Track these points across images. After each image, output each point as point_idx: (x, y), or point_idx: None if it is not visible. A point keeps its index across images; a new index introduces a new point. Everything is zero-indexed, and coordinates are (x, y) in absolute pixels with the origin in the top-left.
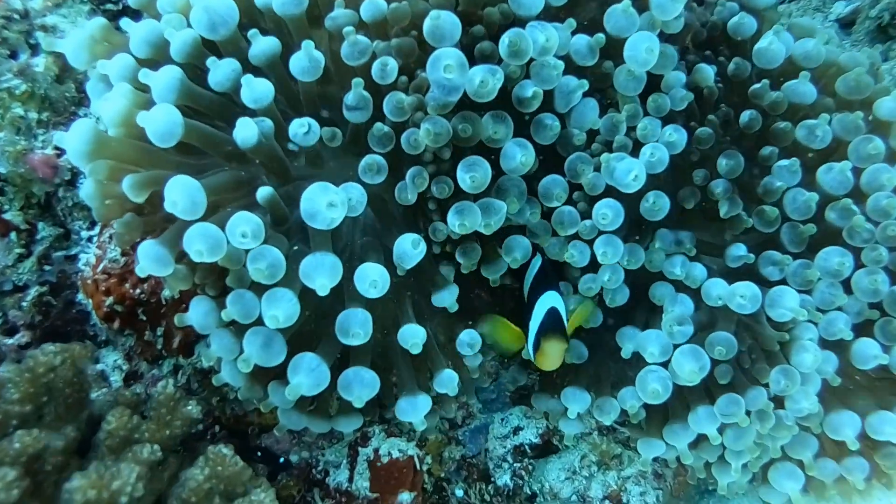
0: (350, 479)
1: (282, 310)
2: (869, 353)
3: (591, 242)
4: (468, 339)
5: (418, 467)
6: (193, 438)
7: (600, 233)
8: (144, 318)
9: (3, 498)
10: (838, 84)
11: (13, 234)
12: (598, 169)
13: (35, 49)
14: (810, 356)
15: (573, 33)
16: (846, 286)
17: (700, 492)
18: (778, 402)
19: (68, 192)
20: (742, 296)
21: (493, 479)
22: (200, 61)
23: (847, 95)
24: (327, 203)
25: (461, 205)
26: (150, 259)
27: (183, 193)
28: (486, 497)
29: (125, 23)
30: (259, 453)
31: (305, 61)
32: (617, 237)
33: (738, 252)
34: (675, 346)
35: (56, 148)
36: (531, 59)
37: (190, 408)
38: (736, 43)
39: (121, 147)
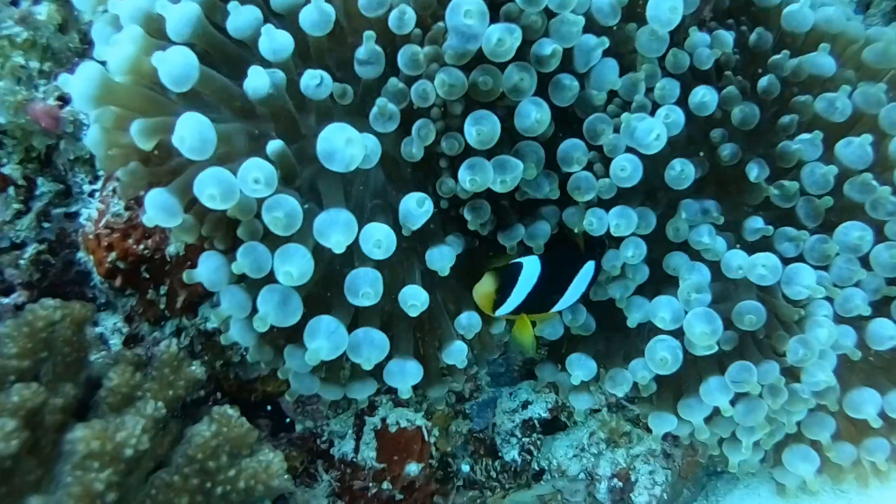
0: (356, 450)
1: (296, 266)
2: (885, 333)
3: (609, 205)
4: (466, 322)
5: (426, 439)
6: (194, 405)
7: (618, 194)
8: (148, 276)
9: (2, 448)
10: (866, 53)
11: (11, 189)
12: (617, 130)
13: None
14: (825, 332)
15: None
16: (864, 263)
17: (708, 473)
18: (793, 376)
19: (70, 146)
20: (764, 265)
21: (500, 454)
22: (220, 3)
23: (875, 64)
24: (346, 139)
25: (473, 160)
26: (158, 208)
27: (192, 129)
28: (493, 473)
29: None
30: (269, 407)
31: (315, 14)
32: (630, 209)
33: (756, 225)
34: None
35: (59, 99)
36: (551, 14)
37: (194, 368)
38: (758, 13)
39: (128, 95)
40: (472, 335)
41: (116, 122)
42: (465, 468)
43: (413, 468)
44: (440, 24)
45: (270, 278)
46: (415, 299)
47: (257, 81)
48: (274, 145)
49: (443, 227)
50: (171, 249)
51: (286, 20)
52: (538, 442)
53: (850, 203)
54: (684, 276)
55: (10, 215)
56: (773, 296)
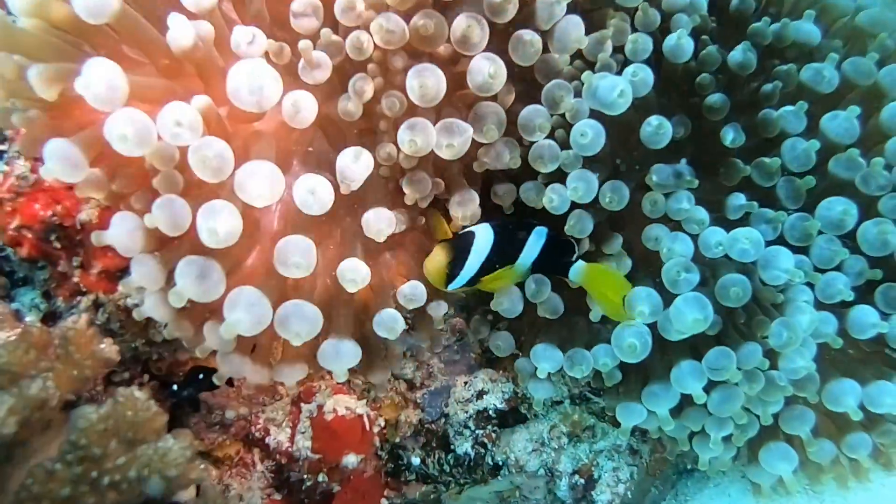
0: (291, 439)
1: (222, 222)
2: (867, 320)
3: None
4: (410, 291)
5: (368, 428)
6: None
7: (585, 163)
8: (59, 246)
9: None
10: (860, 16)
11: None
12: (579, 95)
13: None
14: (806, 318)
15: None
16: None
17: (678, 471)
18: (770, 364)
19: None
20: (746, 238)
21: (453, 447)
22: None
23: (869, 28)
24: (251, 70)
25: (414, 120)
26: (58, 158)
27: (99, 74)
28: (446, 467)
29: None
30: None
31: None
32: (590, 173)
33: (738, 202)
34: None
35: None
36: None
37: (104, 346)
38: None
39: (32, 42)
40: (414, 306)
41: (18, 72)
42: (416, 461)
43: (351, 459)
44: None
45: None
46: (354, 273)
47: (179, 31)
48: (200, 100)
49: (392, 202)
50: (83, 216)
51: None
52: (493, 434)
53: (836, 181)
54: (667, 245)
55: None
56: (751, 278)
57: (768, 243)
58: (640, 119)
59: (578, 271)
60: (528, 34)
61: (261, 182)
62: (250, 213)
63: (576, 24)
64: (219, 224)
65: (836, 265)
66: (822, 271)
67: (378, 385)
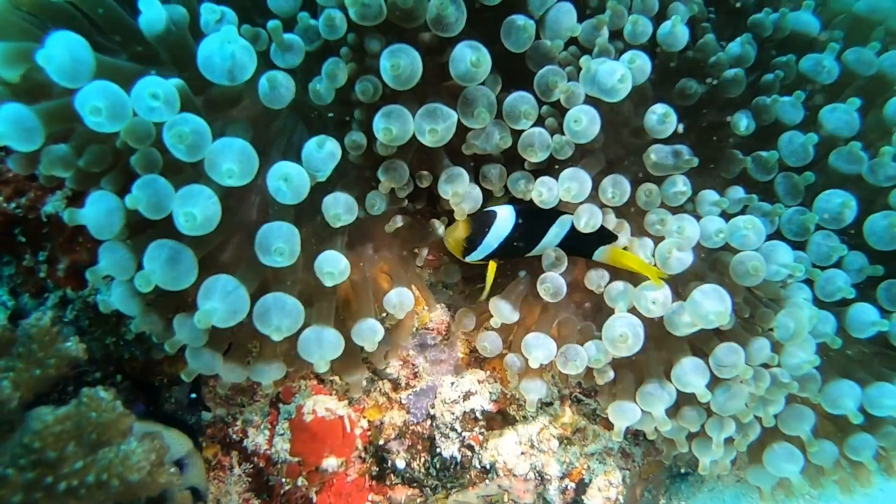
0: (269, 441)
1: (199, 207)
2: (866, 318)
3: (563, 166)
4: (397, 299)
5: (349, 430)
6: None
7: (579, 154)
8: (24, 240)
9: None
10: (858, 4)
11: None
12: (572, 78)
13: None
14: (806, 313)
15: None
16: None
17: (671, 475)
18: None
19: None
20: (746, 226)
21: (439, 449)
22: None
23: (868, 15)
24: (222, 39)
25: (390, 107)
26: (11, 122)
27: (63, 47)
28: (432, 470)
29: None
30: (193, 394)
31: None
32: (583, 171)
33: (738, 195)
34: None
35: None
36: None
37: (69, 345)
38: None
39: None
40: (403, 314)
41: None
42: (401, 464)
43: (331, 463)
44: None
45: (170, 224)
46: (332, 266)
47: (152, 13)
48: (174, 81)
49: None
50: (49, 208)
51: None
52: (480, 437)
53: (836, 176)
54: (675, 224)
55: None
56: None
57: (766, 238)
58: (636, 110)
59: (601, 254)
60: (520, 19)
61: (231, 158)
62: (227, 203)
63: (567, 11)
64: (197, 209)
65: (835, 262)
66: (821, 268)
67: (353, 384)
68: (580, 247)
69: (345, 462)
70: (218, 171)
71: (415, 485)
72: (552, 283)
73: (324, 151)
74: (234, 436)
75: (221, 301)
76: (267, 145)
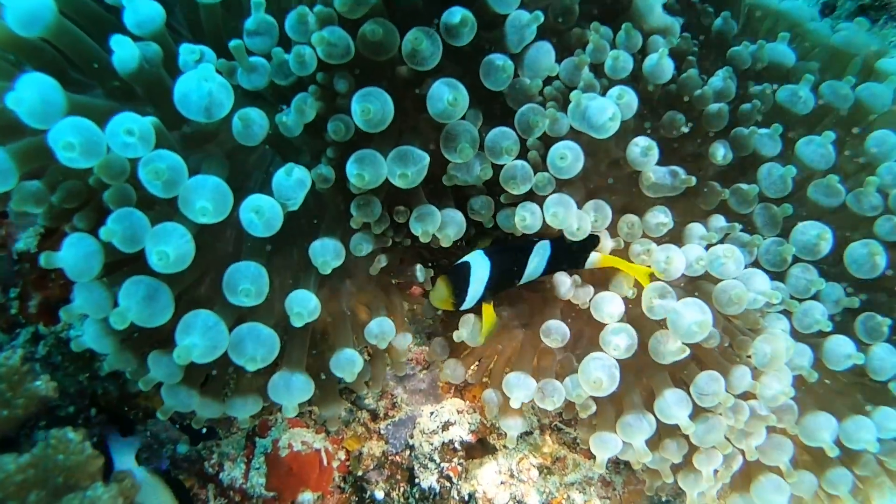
0: (245, 475)
1: (172, 246)
2: (841, 351)
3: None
4: (378, 329)
5: (325, 463)
6: (60, 423)
7: (558, 186)
8: None
9: None
10: (834, 37)
11: None
12: (555, 123)
13: None
14: (783, 344)
15: None
16: (822, 274)
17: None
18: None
19: None
20: (726, 255)
21: (418, 480)
22: None
23: (843, 48)
24: (200, 77)
25: (363, 153)
26: None
27: (33, 89)
28: (411, 500)
29: None
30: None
31: None
32: (568, 196)
33: (719, 223)
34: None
35: None
36: None
37: (39, 384)
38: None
39: None
40: (385, 344)
41: None
42: (380, 495)
43: (307, 497)
44: None
45: (143, 261)
46: (301, 306)
47: (124, 52)
48: (149, 119)
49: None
50: (21, 245)
51: None
52: (459, 468)
53: (815, 208)
54: (661, 255)
55: None
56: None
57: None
58: (616, 142)
59: (592, 261)
60: (499, 59)
61: (205, 196)
62: (202, 238)
63: (547, 51)
64: (169, 248)
65: (812, 295)
66: (799, 300)
67: (329, 419)
68: (569, 261)
69: (321, 496)
70: (192, 208)
71: None
72: (558, 334)
73: (292, 179)
74: (210, 469)
75: (202, 337)
76: (244, 179)
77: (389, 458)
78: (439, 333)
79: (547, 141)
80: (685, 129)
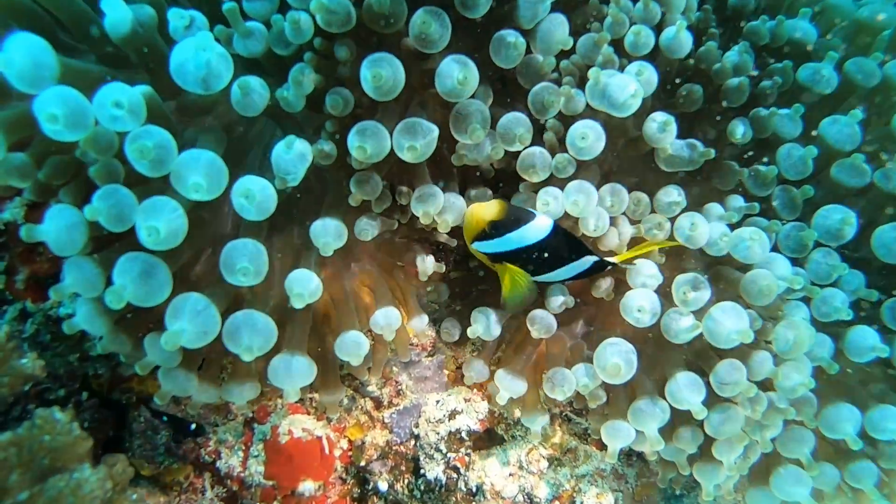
0: (244, 463)
1: (163, 221)
2: (865, 343)
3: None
4: (384, 320)
5: (327, 451)
6: (47, 405)
7: (579, 167)
8: None
9: None
10: (861, 11)
11: None
12: (572, 90)
13: None
14: (805, 332)
15: None
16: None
17: (666, 497)
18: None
19: None
20: (753, 237)
21: (423, 471)
22: None
23: (869, 21)
24: (196, 46)
25: (365, 124)
26: None
27: (23, 50)
28: (416, 492)
29: None
30: (164, 418)
31: None
32: (589, 183)
33: (737, 203)
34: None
35: None
36: None
37: (25, 362)
38: None
39: None
40: (392, 335)
41: None
42: (383, 486)
43: (308, 487)
44: None
45: (133, 236)
46: (302, 287)
47: (116, 14)
48: (141, 88)
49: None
50: (7, 215)
51: None
52: (466, 458)
53: (837, 189)
54: (686, 221)
55: None
56: None
57: None
58: (634, 121)
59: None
60: (511, 35)
61: (199, 172)
62: (197, 212)
63: (560, 23)
64: (160, 223)
65: (833, 281)
66: (820, 286)
67: (329, 405)
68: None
69: (322, 486)
70: (184, 184)
71: None
72: (542, 324)
73: (293, 152)
74: (207, 457)
75: (191, 321)
76: (242, 153)
77: (393, 447)
78: (444, 319)
79: (563, 120)
80: (702, 96)
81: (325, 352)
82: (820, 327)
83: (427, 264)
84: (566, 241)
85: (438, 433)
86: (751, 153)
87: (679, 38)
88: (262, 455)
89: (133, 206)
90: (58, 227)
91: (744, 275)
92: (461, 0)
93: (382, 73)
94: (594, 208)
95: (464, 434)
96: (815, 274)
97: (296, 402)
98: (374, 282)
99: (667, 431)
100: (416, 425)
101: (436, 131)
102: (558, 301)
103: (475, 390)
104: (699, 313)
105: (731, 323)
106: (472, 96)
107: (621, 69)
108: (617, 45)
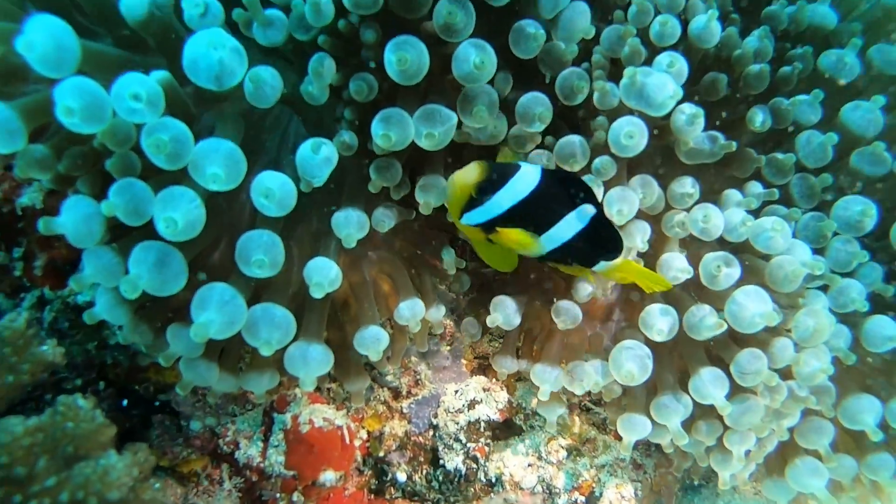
0: (263, 453)
1: (181, 212)
2: (883, 333)
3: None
4: (409, 312)
5: (348, 441)
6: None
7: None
8: None
9: None
10: None
11: None
12: (607, 84)
13: None
14: (825, 321)
15: None
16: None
17: (684, 488)
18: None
19: None
20: (775, 228)
21: (442, 461)
22: None
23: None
24: (208, 43)
25: (389, 111)
26: None
27: (45, 33)
28: (434, 484)
29: None
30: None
31: None
32: (631, 190)
33: (757, 190)
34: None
35: None
36: None
37: (45, 349)
38: None
39: None
40: (418, 326)
41: None
42: (402, 477)
43: (329, 476)
44: None
45: (152, 229)
46: (321, 276)
47: None
48: (159, 74)
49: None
50: (25, 200)
51: None
52: (486, 448)
53: (857, 177)
54: (699, 213)
55: None
56: None
57: None
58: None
59: (605, 267)
60: (531, 26)
61: (217, 162)
62: (215, 201)
63: (581, 12)
64: (178, 214)
65: (853, 269)
66: (840, 275)
67: (354, 394)
68: (588, 251)
69: (344, 475)
70: (202, 174)
71: (416, 499)
72: (568, 315)
73: (319, 157)
74: (225, 447)
75: (218, 312)
76: (260, 140)
77: (412, 438)
78: (462, 308)
79: (594, 114)
80: (726, 86)
81: (345, 339)
82: (837, 318)
83: (452, 257)
84: (561, 183)
85: (458, 423)
86: (768, 141)
87: (710, 27)
88: (282, 445)
89: (150, 200)
90: (75, 218)
91: (767, 262)
92: None
93: (408, 57)
94: (638, 229)
95: (483, 424)
96: (834, 262)
97: (314, 392)
98: (393, 270)
99: (686, 423)
100: (435, 415)
101: (454, 118)
102: (586, 291)
103: (493, 380)
104: (723, 296)
105: (754, 306)
106: (491, 82)
107: (648, 62)
108: (641, 33)
